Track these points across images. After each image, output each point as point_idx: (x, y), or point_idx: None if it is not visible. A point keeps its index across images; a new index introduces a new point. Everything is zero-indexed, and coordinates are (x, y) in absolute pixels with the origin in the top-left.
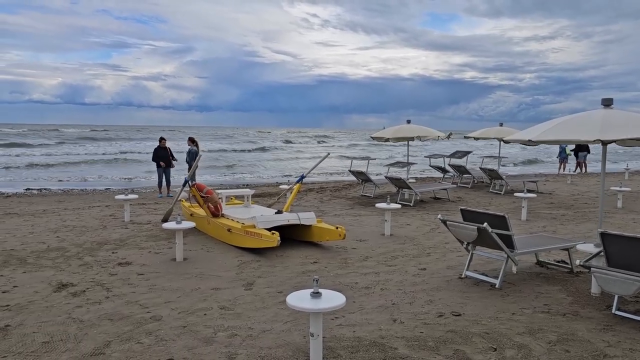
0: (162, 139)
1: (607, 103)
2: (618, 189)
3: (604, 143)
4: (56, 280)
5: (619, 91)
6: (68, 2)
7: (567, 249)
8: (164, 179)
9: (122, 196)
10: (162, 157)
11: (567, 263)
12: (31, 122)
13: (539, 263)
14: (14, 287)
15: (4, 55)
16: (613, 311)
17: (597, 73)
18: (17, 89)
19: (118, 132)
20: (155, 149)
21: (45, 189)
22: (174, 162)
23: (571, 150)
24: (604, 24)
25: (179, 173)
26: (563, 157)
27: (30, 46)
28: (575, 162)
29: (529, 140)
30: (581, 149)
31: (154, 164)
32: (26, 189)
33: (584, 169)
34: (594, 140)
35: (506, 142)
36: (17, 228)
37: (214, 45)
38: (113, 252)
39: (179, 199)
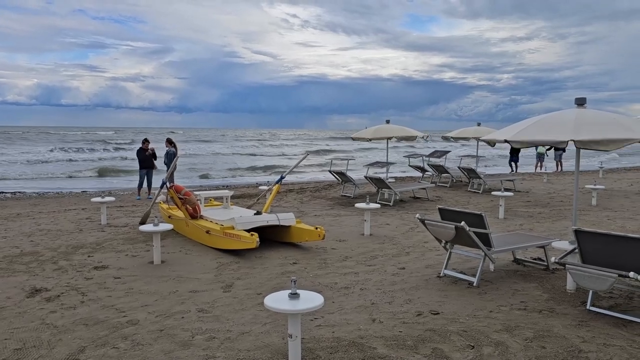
0: (145, 141)
1: (581, 102)
2: (592, 187)
3: (578, 146)
4: (29, 285)
5: (593, 91)
6: (44, 1)
7: (543, 247)
8: (145, 181)
9: (98, 199)
10: (145, 160)
11: (543, 260)
12: (5, 124)
13: (516, 261)
14: None
15: None
16: (587, 307)
17: (572, 73)
18: None
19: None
20: (138, 151)
21: (19, 192)
22: (154, 160)
23: (547, 150)
24: (579, 26)
25: (159, 175)
26: (538, 157)
27: (3, 47)
28: (554, 160)
29: (505, 141)
30: (557, 147)
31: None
32: None
33: (559, 167)
34: (568, 141)
35: (485, 142)
36: None
37: (193, 46)
38: (89, 256)
39: (156, 201)
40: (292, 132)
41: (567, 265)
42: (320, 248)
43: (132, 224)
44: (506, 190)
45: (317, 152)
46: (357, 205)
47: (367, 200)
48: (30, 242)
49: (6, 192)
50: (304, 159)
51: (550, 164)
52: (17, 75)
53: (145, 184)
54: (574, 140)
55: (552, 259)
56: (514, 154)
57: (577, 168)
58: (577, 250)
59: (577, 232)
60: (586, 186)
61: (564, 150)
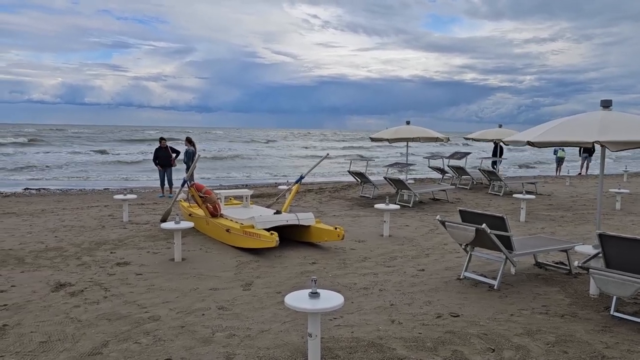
0: (162, 139)
1: (606, 105)
2: (617, 190)
3: (603, 146)
4: (54, 280)
5: (619, 94)
6: (69, 2)
7: (565, 251)
8: (165, 180)
9: (120, 196)
10: (162, 158)
11: (565, 264)
12: (31, 122)
13: (538, 264)
14: (12, 286)
15: (4, 55)
16: (611, 312)
17: (597, 75)
18: (16, 89)
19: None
20: (156, 150)
21: (44, 188)
22: (174, 159)
23: (582, 152)
24: (605, 26)
25: (179, 173)
26: (558, 161)
27: (30, 46)
28: (581, 163)
29: (528, 142)
30: (584, 150)
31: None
32: (25, 189)
33: (585, 170)
34: (593, 142)
35: (505, 143)
36: (16, 228)
37: (214, 46)
38: (111, 252)
39: (177, 199)
40: (331, 131)
41: (590, 270)
42: (339, 248)
43: (153, 221)
44: (528, 193)
45: (360, 158)
46: (376, 206)
47: (387, 201)
48: (54, 238)
49: (31, 189)
50: (323, 159)
51: (575, 164)
52: (42, 75)
53: (166, 183)
54: (599, 142)
55: (575, 263)
56: (587, 151)
57: (601, 171)
58: (600, 255)
59: (602, 236)
60: (610, 190)
61: (590, 153)
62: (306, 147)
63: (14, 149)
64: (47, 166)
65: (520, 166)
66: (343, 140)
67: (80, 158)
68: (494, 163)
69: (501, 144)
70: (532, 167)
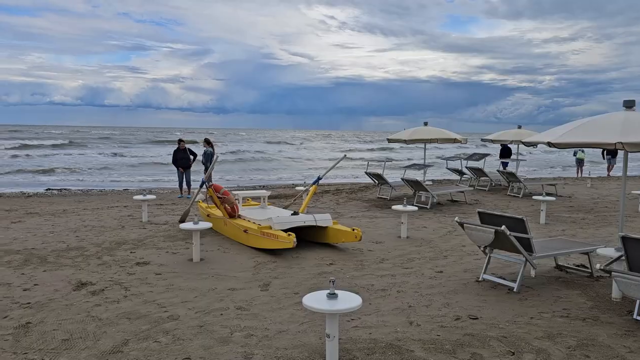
0: (180, 141)
1: (629, 105)
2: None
3: (627, 149)
4: (76, 279)
5: None
6: (90, 5)
7: (586, 253)
8: (184, 181)
9: (140, 196)
10: (181, 160)
11: (586, 267)
12: (52, 123)
13: (558, 267)
14: (35, 285)
15: (26, 58)
16: (634, 316)
17: (618, 75)
18: (38, 91)
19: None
20: (175, 152)
21: (65, 189)
22: (193, 158)
23: (605, 153)
24: (626, 26)
25: (197, 175)
26: (578, 162)
27: (51, 49)
28: (608, 165)
29: (549, 143)
30: (608, 152)
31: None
32: (47, 189)
33: (609, 171)
34: (615, 144)
35: (526, 144)
36: (38, 227)
37: (231, 47)
38: (131, 252)
39: (196, 199)
40: (352, 132)
41: (613, 273)
42: (356, 249)
43: (171, 221)
44: (548, 194)
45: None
46: (394, 207)
47: (404, 203)
48: (75, 238)
49: (53, 189)
50: (341, 160)
51: (602, 165)
52: (63, 77)
53: (184, 184)
54: (622, 143)
55: (597, 266)
56: (610, 153)
57: (624, 172)
58: (623, 258)
59: (625, 239)
60: (633, 192)
61: (614, 155)
62: (342, 149)
63: (52, 151)
64: (88, 168)
65: (538, 168)
66: (370, 141)
67: (119, 160)
68: (505, 165)
69: (509, 145)
70: (553, 168)
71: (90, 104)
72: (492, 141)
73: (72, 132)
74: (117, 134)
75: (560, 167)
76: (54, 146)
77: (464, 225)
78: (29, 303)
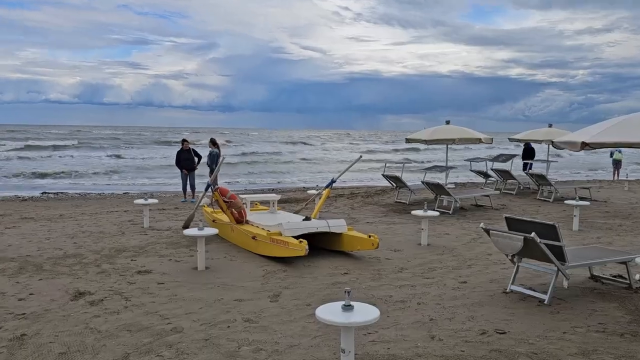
0: (184, 141)
1: None
2: None
3: None
4: (73, 288)
5: None
6: None
7: (624, 262)
8: (187, 184)
9: (141, 201)
10: (185, 161)
11: (624, 278)
12: (49, 122)
13: (593, 277)
14: (30, 294)
15: (20, 54)
16: None
17: None
18: (33, 89)
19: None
20: (178, 152)
21: (62, 192)
22: (198, 160)
23: None
24: None
25: (201, 178)
26: (615, 163)
27: (45, 43)
28: None
29: (583, 143)
30: None
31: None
32: (42, 193)
33: None
34: None
35: (556, 146)
36: (33, 233)
37: (238, 41)
38: (132, 260)
39: (201, 204)
40: (369, 132)
41: None
42: (373, 258)
43: (175, 227)
44: (581, 199)
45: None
46: (413, 212)
47: (425, 208)
48: (73, 244)
49: (49, 192)
50: (356, 161)
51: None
52: (59, 73)
53: (188, 188)
54: None
55: (636, 277)
56: None
57: None
58: None
59: None
60: None
61: None
62: (370, 150)
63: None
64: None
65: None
66: (387, 142)
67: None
68: (526, 166)
69: (532, 144)
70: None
71: (89, 102)
72: (520, 141)
73: (72, 132)
74: (119, 134)
75: (597, 170)
76: (55, 147)
77: (490, 231)
78: (24, 314)
